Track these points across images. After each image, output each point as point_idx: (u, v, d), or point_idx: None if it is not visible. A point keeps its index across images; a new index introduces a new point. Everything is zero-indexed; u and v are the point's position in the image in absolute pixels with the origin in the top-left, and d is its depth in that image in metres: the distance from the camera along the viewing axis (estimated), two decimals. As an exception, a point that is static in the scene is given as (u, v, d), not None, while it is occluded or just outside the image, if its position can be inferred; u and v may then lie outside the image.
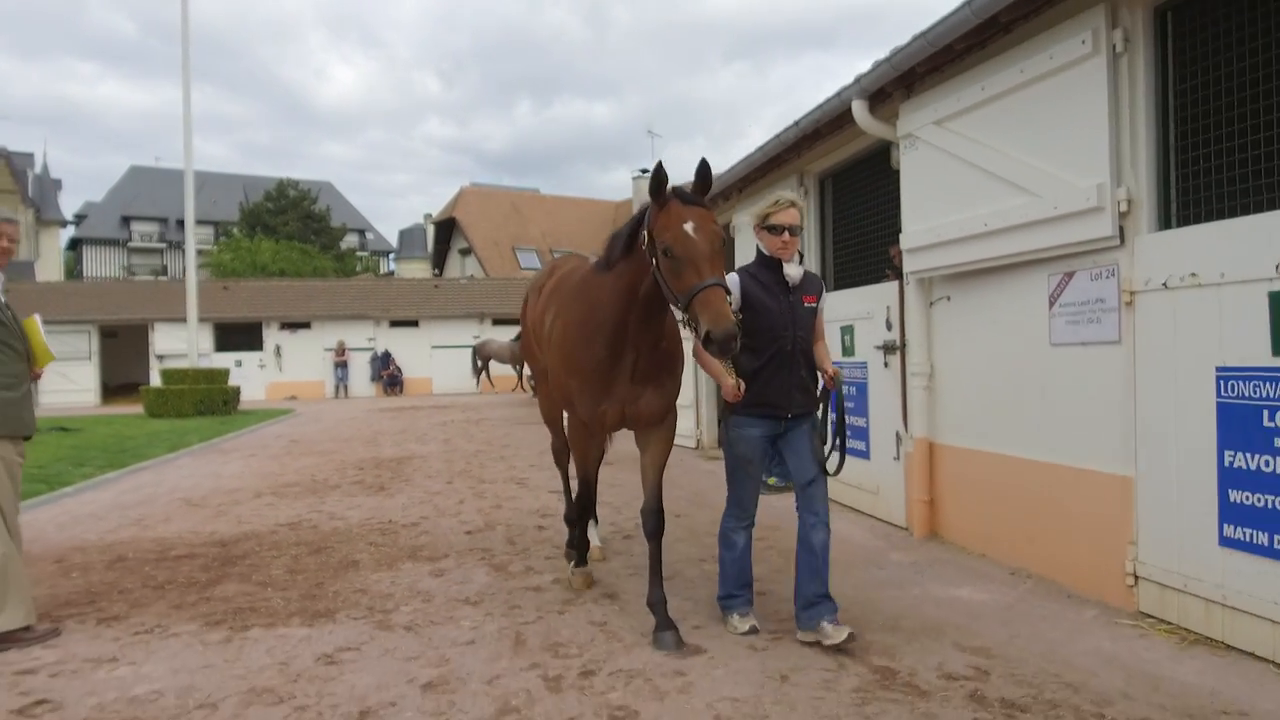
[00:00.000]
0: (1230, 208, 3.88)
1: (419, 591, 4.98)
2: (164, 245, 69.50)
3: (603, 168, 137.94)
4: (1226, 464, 3.62)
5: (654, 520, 4.15)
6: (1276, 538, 3.42)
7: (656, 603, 4.03)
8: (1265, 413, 3.46)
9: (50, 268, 43.55)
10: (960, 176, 5.16)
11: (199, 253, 67.81)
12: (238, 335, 30.06)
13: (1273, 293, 3.39)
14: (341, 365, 30.06)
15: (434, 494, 8.48)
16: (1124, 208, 4.18)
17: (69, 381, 28.79)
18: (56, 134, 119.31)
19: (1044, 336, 4.74)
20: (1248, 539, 3.54)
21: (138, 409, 22.24)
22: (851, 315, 6.75)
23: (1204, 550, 3.75)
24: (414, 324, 31.38)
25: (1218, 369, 3.68)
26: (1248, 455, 3.53)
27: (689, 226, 3.42)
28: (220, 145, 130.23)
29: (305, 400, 28.39)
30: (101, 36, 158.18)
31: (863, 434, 6.60)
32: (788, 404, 3.86)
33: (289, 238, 53.84)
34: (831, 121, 6.33)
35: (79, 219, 60.05)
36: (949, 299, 5.52)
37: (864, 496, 6.68)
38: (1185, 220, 4.10)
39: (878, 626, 4.13)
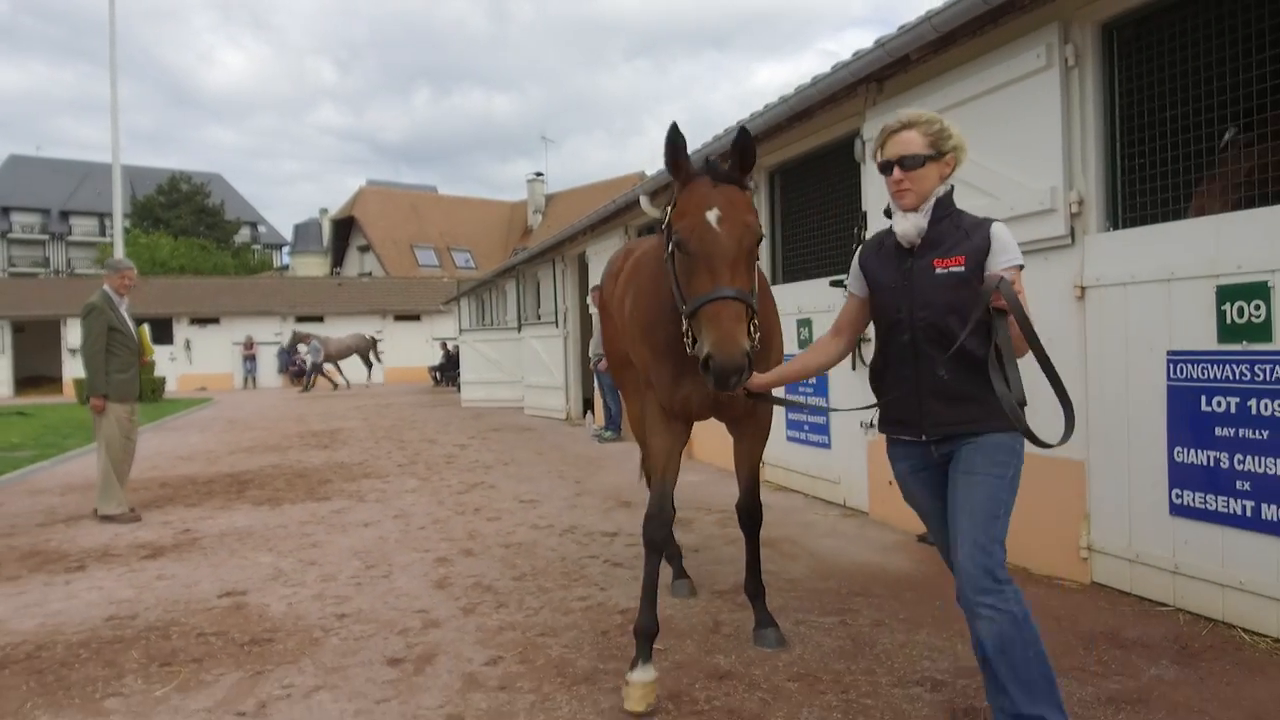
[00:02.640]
0: (1174, 211, 4.34)
1: (375, 489, 8.39)
2: (46, 237, 68.43)
3: (503, 159, 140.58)
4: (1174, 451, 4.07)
5: (750, 520, 3.96)
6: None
7: (755, 595, 3.93)
8: (1204, 395, 3.95)
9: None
10: None
11: (89, 245, 66.41)
12: (154, 329, 31.95)
13: (1220, 286, 3.87)
14: (250, 359, 32.42)
15: (368, 449, 11.81)
16: (1075, 209, 4.62)
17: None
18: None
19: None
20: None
21: (57, 399, 24.40)
22: (810, 308, 7.28)
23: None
24: (319, 319, 33.87)
25: (1168, 354, 4.13)
26: (1193, 435, 4.00)
27: (712, 215, 2.78)
28: (98, 130, 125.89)
29: (217, 391, 30.61)
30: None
31: (824, 429, 7.17)
32: (917, 420, 2.71)
33: (182, 232, 54.59)
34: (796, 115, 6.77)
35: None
36: None
37: (823, 485, 7.19)
38: (1131, 221, 4.52)
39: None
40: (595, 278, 12.30)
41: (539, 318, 17.15)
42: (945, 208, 2.69)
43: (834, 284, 6.60)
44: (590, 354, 13.03)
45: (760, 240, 2.92)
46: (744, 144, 2.90)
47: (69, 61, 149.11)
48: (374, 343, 30.78)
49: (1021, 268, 2.63)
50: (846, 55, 6.22)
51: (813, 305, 7.18)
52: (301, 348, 30.09)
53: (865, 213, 6.38)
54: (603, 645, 3.89)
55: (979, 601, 2.47)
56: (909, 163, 2.64)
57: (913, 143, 2.65)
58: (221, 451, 12.07)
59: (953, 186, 2.73)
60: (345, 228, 51.84)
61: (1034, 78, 4.84)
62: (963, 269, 2.61)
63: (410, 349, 34.85)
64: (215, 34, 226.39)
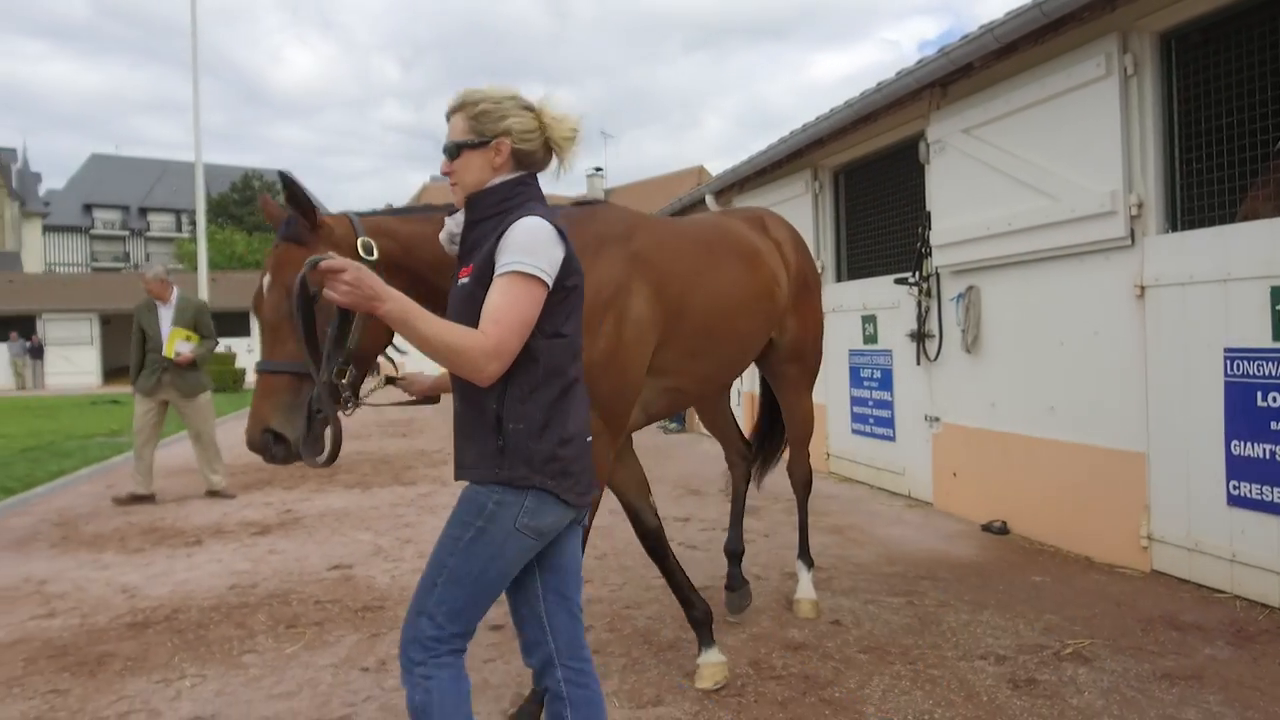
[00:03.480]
0: (1229, 214, 4.52)
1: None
2: (126, 233, 71.21)
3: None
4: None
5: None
6: (874, 428, 7.39)
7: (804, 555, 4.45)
8: (1260, 391, 4.11)
9: (33, 257, 45.95)
10: (986, 180, 5.83)
11: (166, 240, 68.89)
12: (229, 322, 33.26)
13: (1274, 287, 4.04)
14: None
15: (444, 437, 12.33)
16: (1135, 211, 4.81)
17: (70, 364, 31.88)
18: (3, 114, 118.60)
19: (1067, 323, 5.37)
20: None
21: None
22: (875, 304, 7.50)
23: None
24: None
25: (1225, 351, 4.29)
26: (1249, 428, 4.16)
27: (264, 281, 2.40)
28: (175, 128, 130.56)
29: (291, 381, 31.70)
30: (52, 15, 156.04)
31: (889, 421, 7.33)
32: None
33: (256, 228, 56.48)
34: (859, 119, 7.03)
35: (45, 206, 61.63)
36: (977, 290, 6.13)
37: (888, 477, 7.37)
38: (1189, 224, 4.70)
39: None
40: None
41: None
42: (491, 206, 2.12)
43: (898, 282, 6.81)
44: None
45: (318, 294, 2.03)
46: (289, 194, 2.37)
47: (146, 63, 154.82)
48: None
49: (522, 274, 1.96)
50: (909, 44, 6.81)
51: (878, 302, 7.39)
52: None
53: (929, 213, 6.57)
54: (684, 619, 4.21)
55: (404, 668, 2.08)
56: (448, 151, 2.17)
57: (454, 129, 2.18)
58: (305, 439, 12.70)
59: (519, 178, 2.16)
60: (410, 223, 52.91)
61: (1094, 85, 5.02)
62: (468, 280, 2.07)
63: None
64: (285, 33, 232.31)
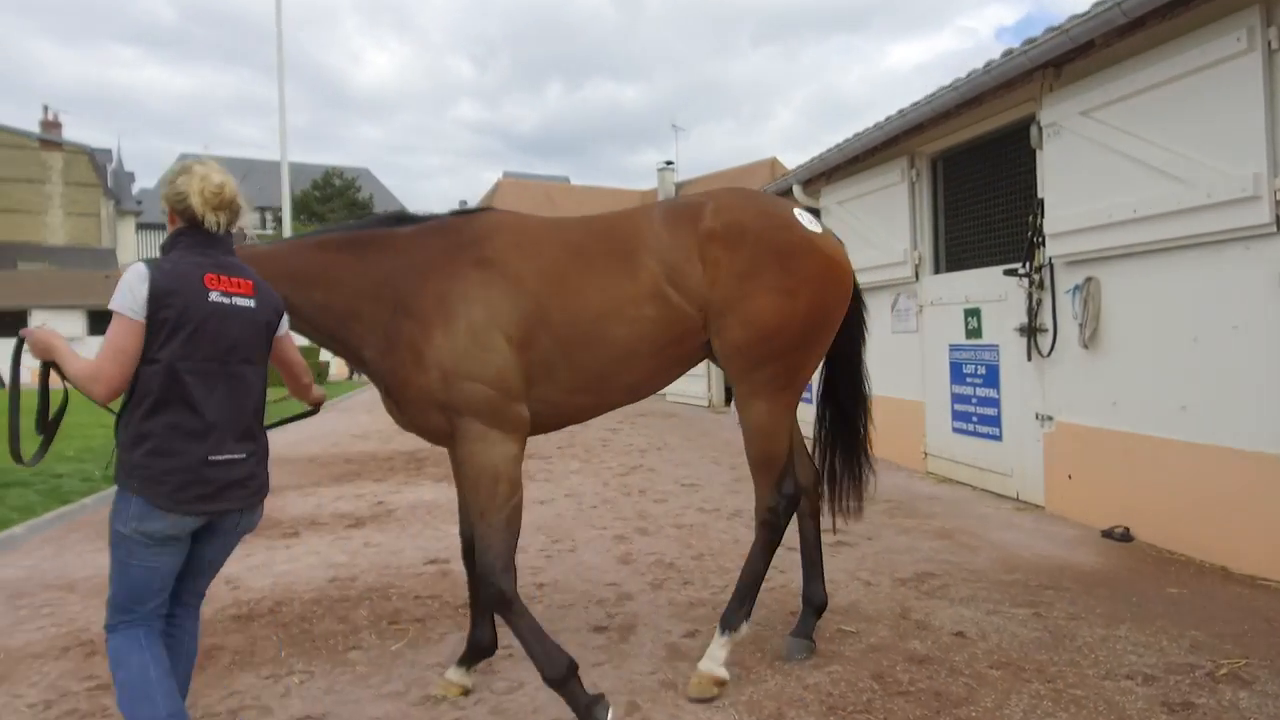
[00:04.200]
0: None
1: (541, 469, 8.80)
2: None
3: (631, 149, 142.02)
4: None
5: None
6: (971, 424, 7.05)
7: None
8: None
9: (128, 254, 47.83)
10: (1107, 165, 5.47)
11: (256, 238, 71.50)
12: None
13: None
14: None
15: (523, 431, 12.36)
16: None
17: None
18: (98, 117, 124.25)
19: (1201, 317, 5.01)
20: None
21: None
22: (979, 297, 7.10)
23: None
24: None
25: None
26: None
27: None
28: (259, 129, 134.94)
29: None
30: (142, 22, 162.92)
31: (995, 420, 6.94)
32: None
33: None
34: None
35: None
36: (1096, 281, 5.74)
37: (993, 478, 6.98)
38: None
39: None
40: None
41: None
42: (161, 252, 2.74)
43: (1007, 273, 6.47)
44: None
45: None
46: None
47: (232, 66, 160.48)
48: None
49: (113, 310, 2.48)
50: (986, 32, 6.40)
51: (981, 294, 7.06)
52: None
53: (1042, 200, 6.22)
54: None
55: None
56: None
57: None
58: (391, 431, 12.84)
59: (176, 230, 2.66)
60: (485, 218, 53.66)
61: (1233, 62, 4.68)
62: None
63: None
64: (364, 36, 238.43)
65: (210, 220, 2.63)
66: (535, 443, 11.16)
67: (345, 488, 8.06)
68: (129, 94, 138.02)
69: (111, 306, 2.46)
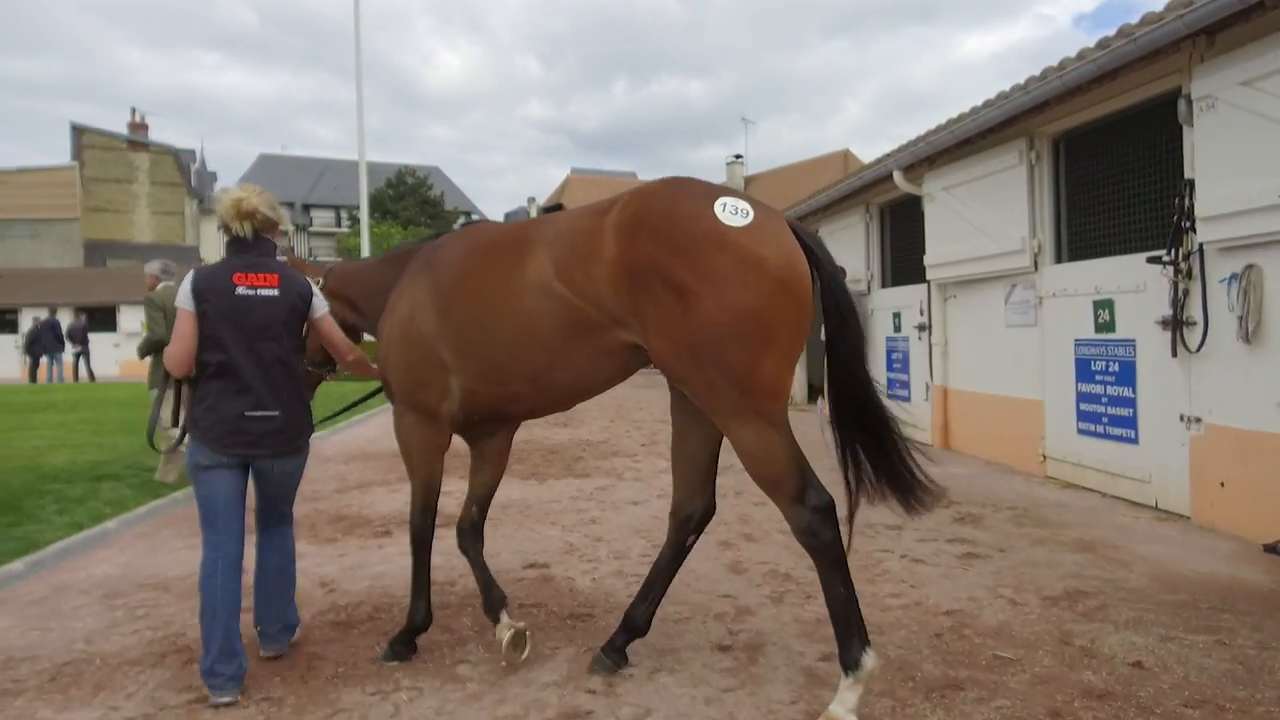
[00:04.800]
0: None
1: (629, 468, 8.50)
2: (291, 228, 75.62)
3: (696, 145, 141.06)
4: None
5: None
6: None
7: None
8: None
9: (211, 251, 49.30)
10: (1275, 139, 5.01)
11: (328, 235, 72.75)
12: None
13: None
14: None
15: (605, 427, 12.08)
16: None
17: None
18: (183, 122, 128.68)
19: None
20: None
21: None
22: (1111, 287, 6.54)
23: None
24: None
25: None
26: None
27: None
28: (334, 130, 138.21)
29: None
30: (226, 28, 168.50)
31: (1129, 421, 6.39)
32: None
33: (409, 222, 58.73)
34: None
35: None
36: (1257, 269, 5.22)
37: (1127, 484, 6.43)
38: None
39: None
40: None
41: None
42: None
43: (1151, 260, 5.91)
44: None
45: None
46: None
47: (309, 69, 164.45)
48: None
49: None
50: (1064, 19, 5.94)
51: (1114, 285, 6.49)
52: None
53: (1191, 180, 5.66)
54: (943, 650, 3.62)
55: None
56: None
57: None
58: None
59: (228, 242, 3.58)
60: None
61: None
62: None
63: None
64: (436, 37, 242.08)
65: (237, 228, 3.46)
66: (620, 441, 10.91)
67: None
68: (211, 98, 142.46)
69: (175, 304, 3.44)
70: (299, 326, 3.55)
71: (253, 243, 3.46)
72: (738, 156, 53.73)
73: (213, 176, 53.57)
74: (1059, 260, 7.36)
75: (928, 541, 5.40)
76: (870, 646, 2.98)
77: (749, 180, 52.86)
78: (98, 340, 31.36)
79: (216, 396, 3.36)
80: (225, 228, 3.49)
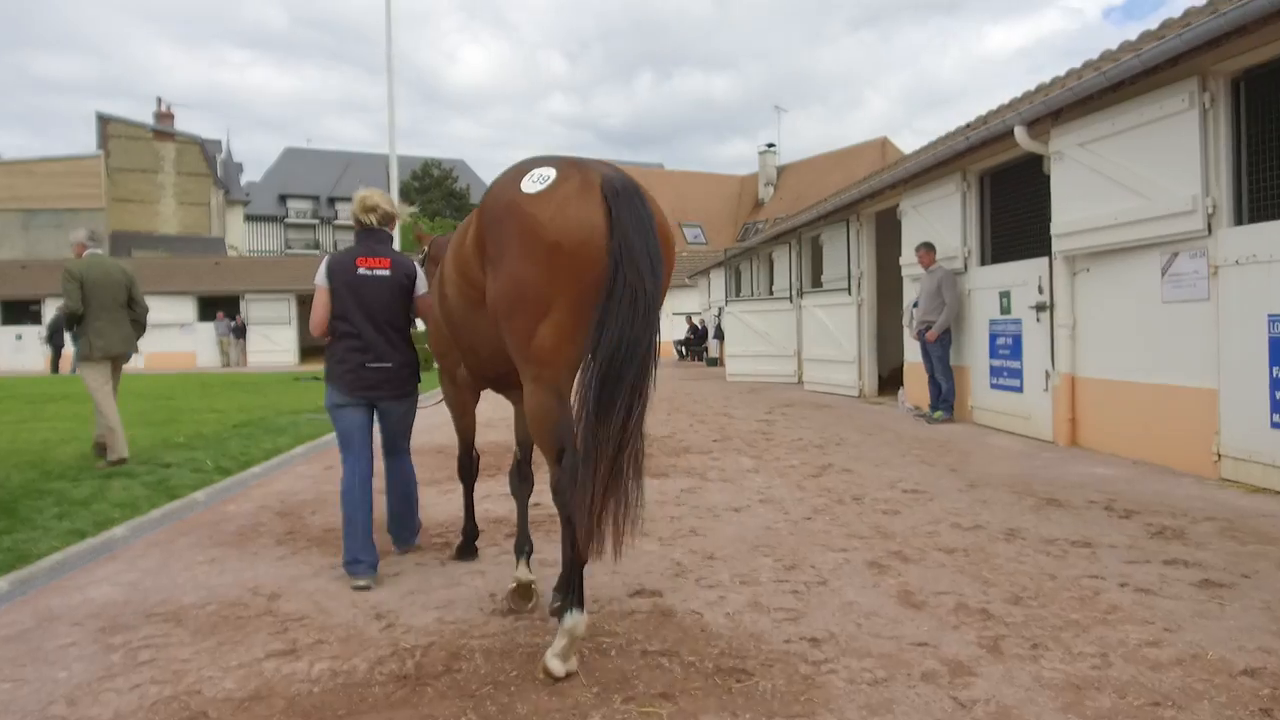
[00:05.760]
0: None
1: (710, 467, 7.39)
2: (317, 221, 75.06)
3: (719, 140, 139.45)
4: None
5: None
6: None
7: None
8: None
9: (235, 242, 48.74)
10: None
11: (351, 228, 72.69)
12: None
13: None
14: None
15: (665, 420, 10.97)
16: None
17: (271, 343, 33.11)
18: (211, 117, 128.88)
19: None
20: None
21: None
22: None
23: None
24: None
25: None
26: None
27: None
28: (361, 125, 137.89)
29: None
30: (254, 26, 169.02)
31: None
32: None
33: (434, 214, 57.96)
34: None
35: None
36: None
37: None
38: None
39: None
40: (919, 237, 10.73)
41: (821, 284, 15.75)
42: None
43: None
44: (906, 323, 11.51)
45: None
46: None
47: (336, 66, 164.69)
48: None
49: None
50: (1093, 11, 6.22)
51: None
52: None
53: None
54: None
55: None
56: None
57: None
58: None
59: (356, 233, 4.50)
60: (581, 205, 52.67)
61: None
62: None
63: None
64: (461, 34, 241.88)
65: (364, 220, 4.42)
66: (686, 435, 9.73)
67: (487, 484, 6.78)
68: (240, 95, 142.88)
69: (314, 282, 4.36)
70: (406, 299, 4.44)
71: (374, 232, 4.43)
72: (770, 145, 52.63)
73: (239, 167, 53.05)
74: (1239, 222, 6.16)
75: (1138, 564, 4.24)
76: (583, 611, 3.08)
77: (782, 169, 51.72)
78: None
79: (344, 352, 4.30)
80: (355, 220, 4.43)
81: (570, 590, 3.08)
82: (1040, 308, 8.32)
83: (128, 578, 4.51)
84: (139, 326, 7.74)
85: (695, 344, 28.91)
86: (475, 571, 4.46)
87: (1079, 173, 7.46)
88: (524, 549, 3.99)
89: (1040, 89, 9.20)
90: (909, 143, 41.99)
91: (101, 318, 7.39)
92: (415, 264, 4.55)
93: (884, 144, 47.56)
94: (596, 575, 4.23)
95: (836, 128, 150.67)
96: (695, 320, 29.72)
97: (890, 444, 8.53)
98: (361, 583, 4.14)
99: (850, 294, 13.74)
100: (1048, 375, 8.25)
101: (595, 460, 2.93)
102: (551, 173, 3.11)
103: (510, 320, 3.11)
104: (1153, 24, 7.30)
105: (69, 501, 6.00)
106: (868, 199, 12.86)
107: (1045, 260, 8.25)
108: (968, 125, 11.29)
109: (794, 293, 17.12)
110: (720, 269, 25.11)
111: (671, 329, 33.19)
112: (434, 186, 61.85)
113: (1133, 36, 7.86)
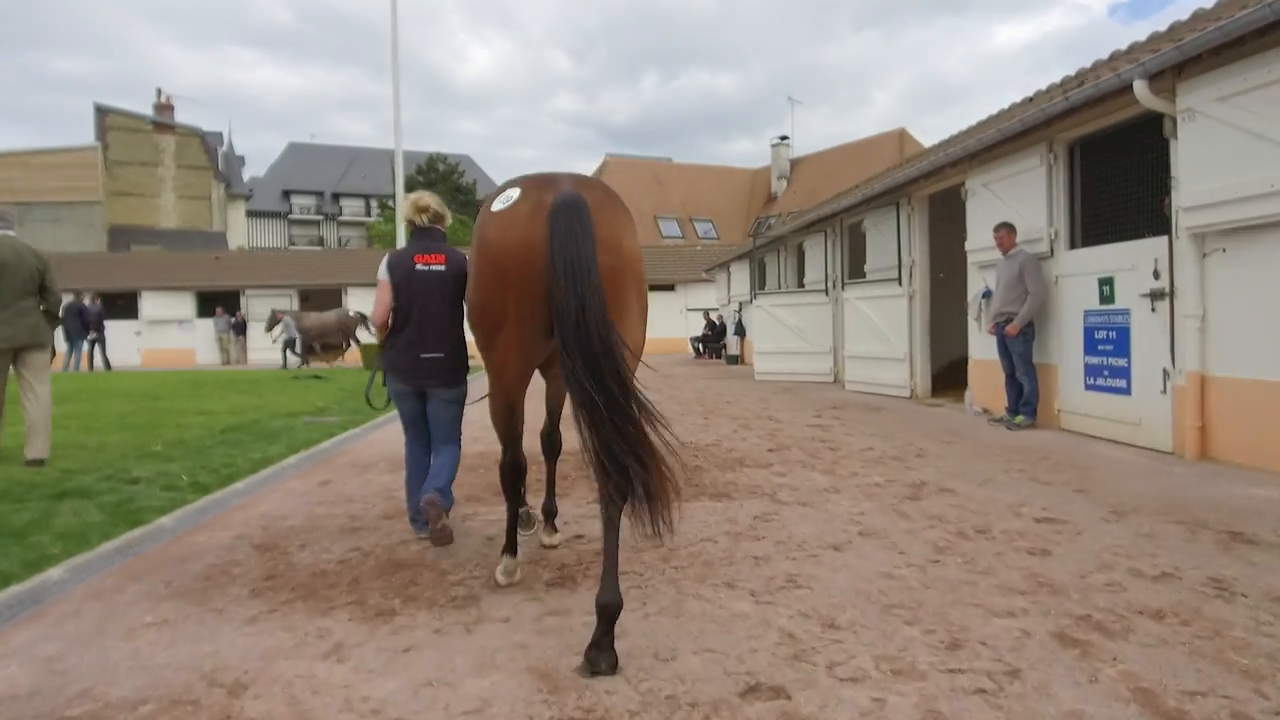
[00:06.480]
0: None
1: (778, 485, 6.20)
2: (320, 217, 73.97)
3: (724, 138, 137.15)
4: None
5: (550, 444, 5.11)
6: None
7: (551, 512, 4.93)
8: None
9: (237, 237, 47.63)
10: None
11: (357, 224, 71.44)
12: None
13: None
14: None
15: (705, 425, 9.77)
16: None
17: (272, 340, 31.96)
18: (219, 115, 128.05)
19: None
20: None
21: (345, 364, 24.79)
22: None
23: None
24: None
25: None
26: None
27: None
28: (366, 124, 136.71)
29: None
30: (262, 25, 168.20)
31: None
32: None
33: (440, 208, 56.96)
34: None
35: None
36: None
37: None
38: None
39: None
40: (989, 218, 9.52)
41: (864, 275, 14.52)
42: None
43: None
44: (974, 315, 10.30)
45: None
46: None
47: (342, 65, 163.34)
48: (361, 319, 27.05)
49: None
50: (1099, 8, 5.58)
51: None
52: (277, 329, 27.21)
53: None
54: None
55: None
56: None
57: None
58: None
59: (413, 234, 4.84)
60: (591, 199, 51.62)
61: None
62: None
63: (661, 320, 33.31)
64: (467, 33, 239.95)
65: (418, 220, 4.71)
66: (735, 443, 8.29)
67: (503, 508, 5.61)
68: (245, 94, 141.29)
69: (378, 276, 4.67)
70: (460, 294, 4.56)
71: (428, 230, 4.72)
72: (784, 137, 51.39)
73: (240, 160, 51.92)
74: None
75: None
76: (515, 557, 4.08)
77: (795, 162, 50.44)
78: (119, 328, 29.64)
79: (401, 343, 4.61)
80: (409, 221, 4.74)
81: (509, 544, 4.14)
82: (1157, 295, 7.10)
83: (46, 650, 3.34)
84: (52, 318, 7.05)
85: (713, 341, 27.72)
86: (516, 645, 3.27)
87: (1218, 133, 6.24)
88: (552, 514, 4.84)
89: (1152, 39, 7.97)
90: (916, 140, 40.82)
91: (9, 306, 6.59)
92: (468, 259, 4.67)
93: (901, 135, 46.30)
94: (688, 661, 3.06)
95: (843, 125, 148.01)
96: (713, 316, 28.52)
97: (980, 455, 7.32)
98: (425, 534, 4.65)
99: (900, 284, 12.53)
100: (1166, 374, 7.04)
101: (595, 455, 3.04)
102: (516, 193, 3.44)
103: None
104: (1161, 24, 6.08)
105: (2, 532, 4.84)
106: (923, 179, 11.64)
107: (1162, 240, 7.04)
108: (1061, 84, 10.03)
109: (830, 284, 15.90)
110: (741, 262, 23.89)
111: (688, 325, 31.99)
112: (439, 181, 60.67)
113: (1141, 36, 6.64)
